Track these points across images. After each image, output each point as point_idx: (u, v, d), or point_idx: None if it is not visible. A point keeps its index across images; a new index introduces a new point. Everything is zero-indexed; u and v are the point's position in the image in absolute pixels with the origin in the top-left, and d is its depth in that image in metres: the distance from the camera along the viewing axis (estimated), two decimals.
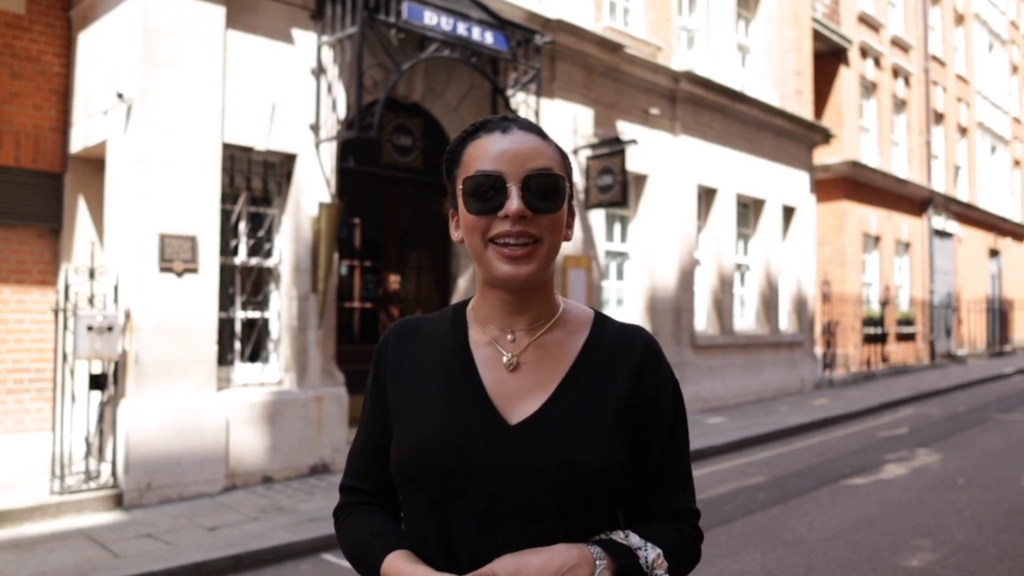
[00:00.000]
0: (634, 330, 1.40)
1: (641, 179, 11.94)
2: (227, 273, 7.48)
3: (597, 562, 1.21)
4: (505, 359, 1.32)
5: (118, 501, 6.39)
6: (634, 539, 1.26)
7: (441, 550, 1.27)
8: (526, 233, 1.26)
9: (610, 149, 10.21)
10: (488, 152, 1.28)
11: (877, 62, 20.61)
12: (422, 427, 1.30)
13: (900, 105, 22.15)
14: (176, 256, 6.75)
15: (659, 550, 1.26)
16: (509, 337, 1.34)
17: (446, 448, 1.26)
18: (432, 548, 1.28)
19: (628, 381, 1.33)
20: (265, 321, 7.79)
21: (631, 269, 12.05)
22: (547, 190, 1.27)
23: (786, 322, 15.16)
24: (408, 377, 1.36)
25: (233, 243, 7.56)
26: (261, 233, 7.74)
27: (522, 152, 1.27)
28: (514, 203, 1.24)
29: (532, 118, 9.23)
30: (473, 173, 1.28)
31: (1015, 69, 31.22)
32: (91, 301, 6.42)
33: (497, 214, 1.26)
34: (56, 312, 6.47)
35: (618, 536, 1.27)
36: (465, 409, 1.29)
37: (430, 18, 7.95)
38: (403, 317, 1.46)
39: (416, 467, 1.28)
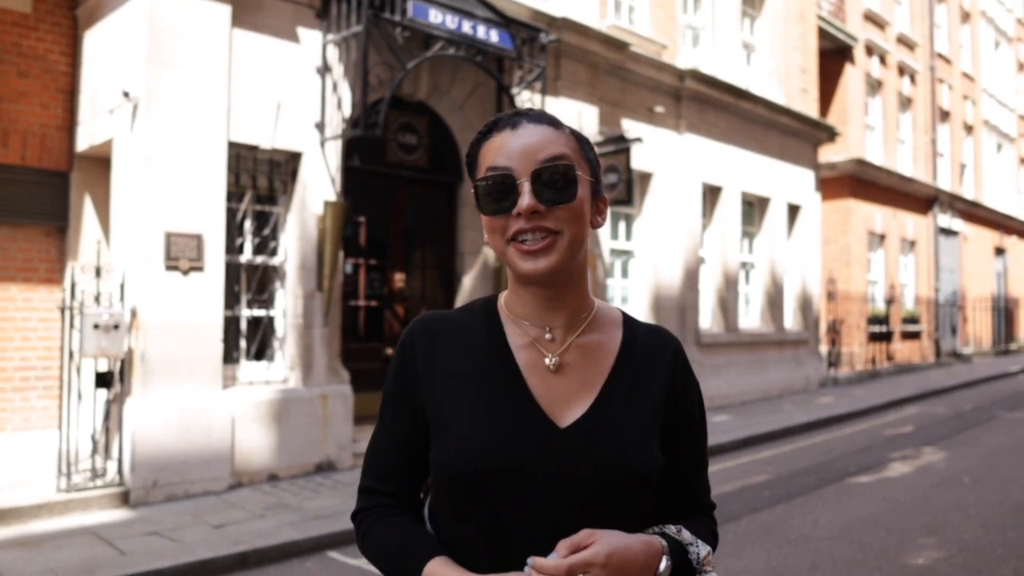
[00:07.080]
0: (662, 332, 1.41)
1: (646, 177, 11.93)
2: (233, 271, 7.49)
3: (664, 557, 1.24)
4: (548, 361, 1.30)
5: (124, 499, 6.42)
6: (686, 535, 1.29)
7: (489, 552, 1.24)
8: (542, 227, 1.23)
9: (615, 147, 10.21)
10: (497, 150, 1.26)
11: (883, 60, 20.56)
12: (469, 431, 1.26)
13: (906, 103, 22.09)
14: (182, 254, 6.77)
15: (708, 548, 1.28)
16: (548, 336, 1.32)
17: (497, 452, 1.24)
18: (478, 550, 1.25)
19: (664, 383, 1.35)
20: (271, 319, 7.81)
21: (636, 267, 12.05)
22: (559, 180, 1.24)
23: (791, 320, 15.14)
24: (443, 379, 1.31)
25: (239, 241, 7.58)
26: (267, 231, 7.76)
27: (531, 145, 1.25)
28: (525, 199, 1.22)
29: None
30: (483, 174, 1.27)
31: (1021, 67, 31.12)
32: (97, 299, 6.44)
33: (512, 212, 1.24)
34: (62, 310, 6.49)
35: (671, 530, 1.29)
36: (513, 412, 1.27)
37: (435, 16, 7.95)
38: (424, 313, 1.41)
39: (466, 471, 1.24)
